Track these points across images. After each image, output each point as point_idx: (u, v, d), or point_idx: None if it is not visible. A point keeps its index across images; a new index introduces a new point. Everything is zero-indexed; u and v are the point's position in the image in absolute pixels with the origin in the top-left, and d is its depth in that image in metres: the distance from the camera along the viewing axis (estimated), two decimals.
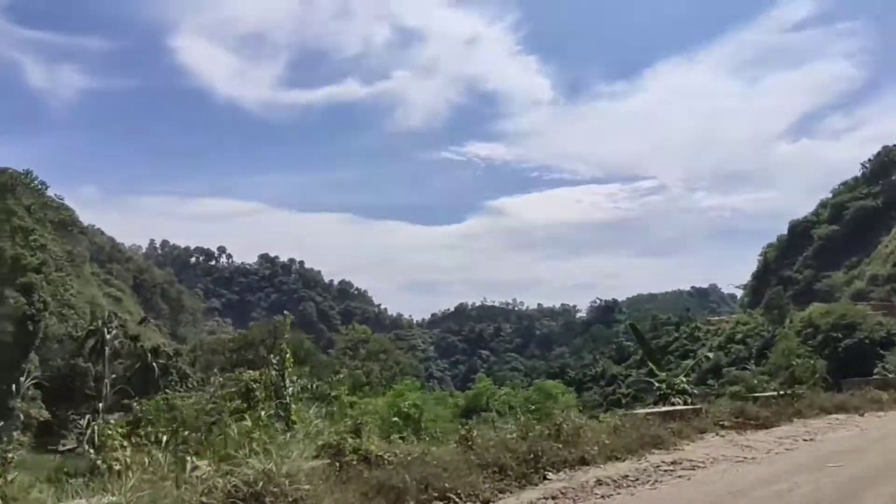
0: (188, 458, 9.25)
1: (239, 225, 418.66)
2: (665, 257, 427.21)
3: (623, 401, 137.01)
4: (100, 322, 65.04)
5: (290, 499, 7.80)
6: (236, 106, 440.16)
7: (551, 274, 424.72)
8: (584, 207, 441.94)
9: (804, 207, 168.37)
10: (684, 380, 23.68)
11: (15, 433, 53.72)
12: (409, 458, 10.51)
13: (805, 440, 17.54)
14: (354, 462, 10.11)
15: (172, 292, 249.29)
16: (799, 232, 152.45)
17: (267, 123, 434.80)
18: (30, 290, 61.88)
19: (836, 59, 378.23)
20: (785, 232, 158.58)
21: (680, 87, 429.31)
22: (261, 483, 7.87)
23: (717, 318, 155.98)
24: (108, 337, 61.83)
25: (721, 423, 19.24)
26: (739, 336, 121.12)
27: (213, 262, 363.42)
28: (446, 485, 9.85)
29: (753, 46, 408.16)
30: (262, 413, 12.26)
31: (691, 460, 13.90)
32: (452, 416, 68.18)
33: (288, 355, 14.99)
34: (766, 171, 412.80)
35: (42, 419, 59.25)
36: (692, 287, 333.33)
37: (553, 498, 10.33)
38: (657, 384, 24.09)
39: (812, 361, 47.86)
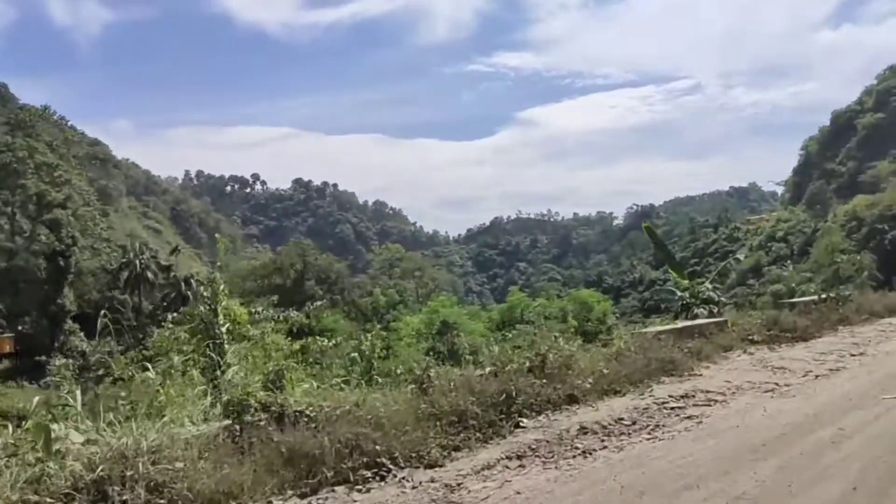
0: (53, 425, 6.91)
1: (270, 151, 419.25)
2: (703, 159, 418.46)
3: (662, 306, 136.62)
4: (131, 254, 65.60)
5: (151, 483, 6.10)
6: (259, 30, 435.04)
7: (586, 183, 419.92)
8: (619, 112, 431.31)
9: (848, 98, 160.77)
10: (710, 287, 21.04)
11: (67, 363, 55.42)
12: (338, 413, 8.03)
13: (853, 355, 14.43)
14: (263, 423, 7.72)
15: (210, 221, 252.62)
16: (842, 122, 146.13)
17: (290, 46, 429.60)
18: (57, 225, 62.35)
19: None
20: (827, 123, 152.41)
21: None
22: (107, 466, 6.12)
23: (756, 216, 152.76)
24: (139, 269, 62.40)
25: (750, 337, 16.20)
26: (780, 234, 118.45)
27: (248, 190, 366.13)
28: (378, 447, 7.60)
29: None
30: (176, 360, 10.06)
31: (707, 391, 11.22)
32: (488, 329, 68.37)
33: (222, 286, 11.74)
34: (806, 61, 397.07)
35: (83, 350, 60.71)
36: (731, 187, 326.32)
37: (518, 457, 8.05)
38: (679, 293, 21.28)
39: (858, 257, 45.37)
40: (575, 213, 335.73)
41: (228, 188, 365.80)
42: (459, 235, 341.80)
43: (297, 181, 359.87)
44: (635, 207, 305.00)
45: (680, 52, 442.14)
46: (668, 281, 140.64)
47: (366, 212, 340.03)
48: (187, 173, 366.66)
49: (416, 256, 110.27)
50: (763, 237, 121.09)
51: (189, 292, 64.99)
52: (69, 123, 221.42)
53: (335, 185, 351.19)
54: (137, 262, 64.22)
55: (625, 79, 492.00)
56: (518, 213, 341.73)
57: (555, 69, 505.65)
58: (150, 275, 63.07)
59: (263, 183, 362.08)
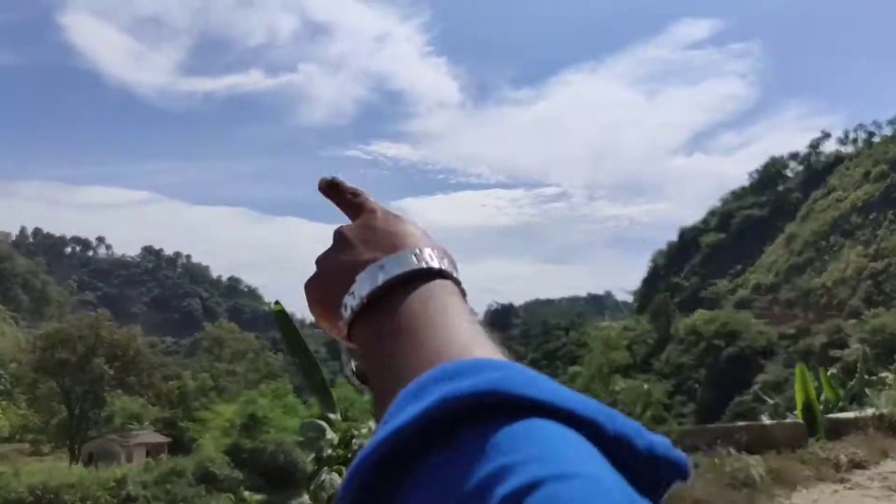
0: None
1: (127, 215, 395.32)
2: (565, 264, 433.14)
3: None
4: None
5: None
6: (130, 91, 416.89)
7: None
8: (488, 211, 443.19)
9: (696, 217, 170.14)
10: None
11: None
12: None
13: None
14: None
15: (36, 283, 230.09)
16: (688, 239, 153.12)
17: (163, 111, 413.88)
18: None
19: (731, 77, 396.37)
20: (676, 239, 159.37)
21: (584, 97, 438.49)
22: None
23: (606, 323, 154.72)
24: None
25: None
26: (626, 342, 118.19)
27: (90, 253, 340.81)
28: None
29: (654, 62, 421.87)
30: None
31: None
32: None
33: None
34: (661, 182, 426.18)
35: None
36: (588, 293, 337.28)
37: None
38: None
39: (646, 386, 33.12)
40: None
41: (69, 249, 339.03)
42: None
43: (148, 248, 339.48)
44: (495, 305, 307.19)
45: (549, 161, 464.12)
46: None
47: (218, 287, 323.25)
48: (23, 230, 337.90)
49: (250, 338, 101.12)
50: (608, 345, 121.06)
51: None
52: None
53: (188, 257, 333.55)
54: None
55: (497, 179, 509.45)
56: None
57: (430, 163, 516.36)
58: None
59: (108, 247, 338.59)
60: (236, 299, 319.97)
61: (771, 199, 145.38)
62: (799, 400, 12.84)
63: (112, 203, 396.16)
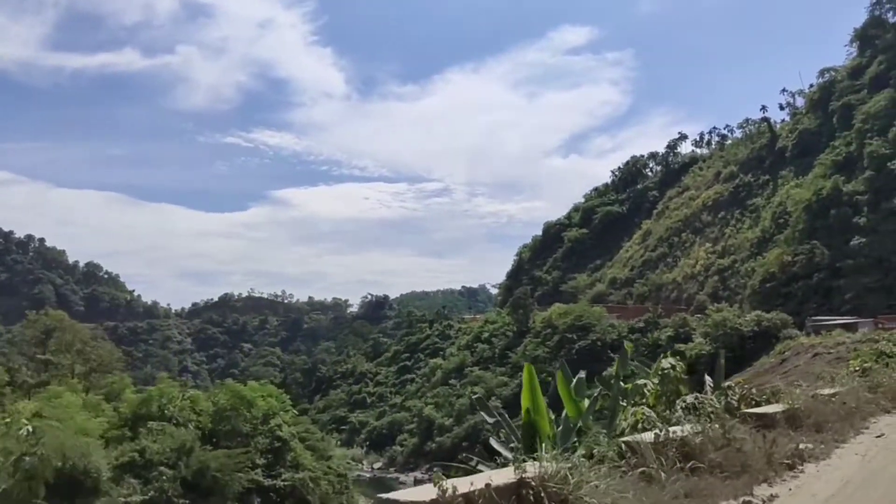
0: None
1: None
2: (443, 258, 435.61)
3: (368, 400, 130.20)
4: None
5: None
6: None
7: (334, 268, 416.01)
8: (371, 204, 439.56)
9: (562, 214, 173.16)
10: None
11: None
12: None
13: None
14: None
15: None
16: (552, 234, 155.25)
17: (27, 87, 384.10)
18: None
19: (605, 84, 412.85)
20: (540, 234, 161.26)
21: (466, 96, 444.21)
22: None
23: (470, 316, 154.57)
24: None
25: None
26: (486, 335, 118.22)
27: None
28: None
29: (534, 65, 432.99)
30: None
31: None
32: (112, 426, 55.15)
33: None
34: (538, 181, 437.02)
35: None
36: (463, 287, 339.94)
37: None
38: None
39: None
40: (310, 297, 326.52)
41: None
42: (183, 309, 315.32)
43: None
44: (370, 297, 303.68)
45: (432, 156, 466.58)
46: (378, 374, 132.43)
47: (74, 273, 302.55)
48: None
49: (80, 327, 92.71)
50: (471, 337, 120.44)
51: None
52: None
53: (41, 241, 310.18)
54: None
55: (380, 173, 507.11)
56: (251, 290, 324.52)
57: (313, 154, 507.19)
58: None
59: None
60: (95, 286, 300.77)
61: (631, 196, 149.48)
62: (524, 408, 9.78)
63: None
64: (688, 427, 5.63)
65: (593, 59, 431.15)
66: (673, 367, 8.35)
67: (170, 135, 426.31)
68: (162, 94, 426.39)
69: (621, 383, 10.28)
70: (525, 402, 9.42)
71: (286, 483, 55.98)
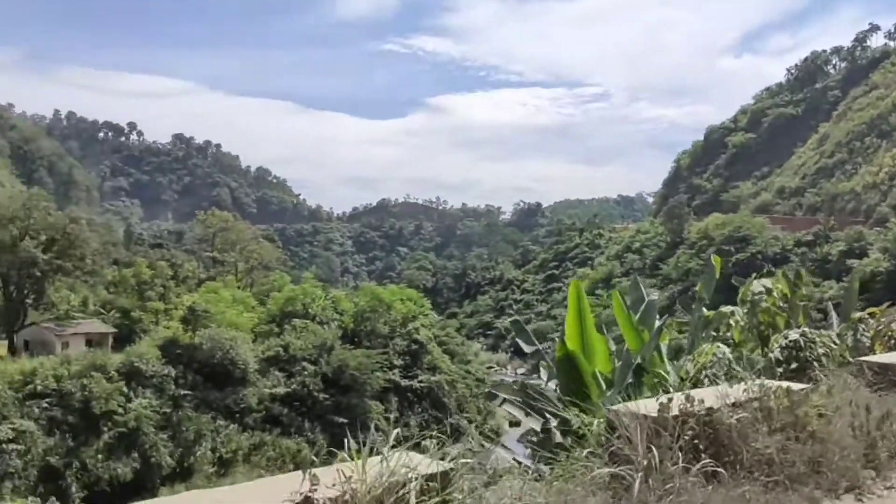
0: None
1: (163, 103, 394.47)
2: (599, 165, 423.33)
3: (515, 307, 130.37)
4: None
5: None
6: None
7: (487, 175, 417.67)
8: (527, 110, 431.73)
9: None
10: None
11: None
12: None
13: None
14: None
15: (62, 166, 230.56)
16: (715, 139, 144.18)
17: None
18: None
19: None
20: (701, 138, 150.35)
21: None
22: None
23: (622, 225, 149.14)
24: None
25: None
26: (637, 245, 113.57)
27: (122, 139, 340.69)
28: None
29: None
30: None
31: None
32: (262, 322, 58.19)
33: None
34: (706, 84, 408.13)
35: None
36: (619, 195, 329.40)
37: None
38: None
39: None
40: (464, 204, 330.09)
41: (101, 135, 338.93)
42: (344, 213, 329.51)
43: (178, 136, 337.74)
44: (523, 204, 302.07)
45: (592, 60, 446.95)
46: (525, 282, 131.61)
47: (247, 177, 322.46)
48: (56, 113, 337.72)
49: (243, 227, 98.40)
50: (621, 247, 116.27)
51: None
52: None
53: (218, 146, 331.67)
54: None
55: (536, 78, 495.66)
56: (407, 196, 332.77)
57: (470, 59, 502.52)
58: None
59: (140, 133, 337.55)
60: (265, 190, 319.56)
61: (807, 96, 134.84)
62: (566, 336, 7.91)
63: (152, 91, 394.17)
64: (737, 389, 3.60)
65: None
66: (768, 290, 5.94)
67: (333, 44, 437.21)
68: (325, 2, 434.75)
69: (704, 310, 8.01)
70: (568, 329, 7.51)
71: (422, 384, 57.26)
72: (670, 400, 3.28)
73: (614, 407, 3.49)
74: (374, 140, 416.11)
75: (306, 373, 50.73)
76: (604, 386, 7.36)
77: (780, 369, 5.91)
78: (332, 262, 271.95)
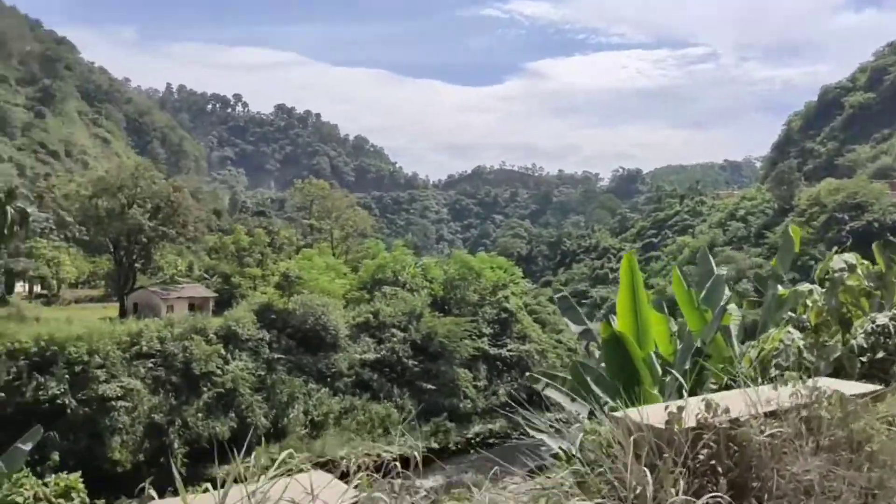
0: None
1: (267, 75, 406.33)
2: (705, 129, 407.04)
3: (610, 275, 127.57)
4: None
5: None
6: None
7: (585, 141, 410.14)
8: (629, 73, 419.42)
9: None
10: None
11: None
12: None
13: None
14: None
15: (173, 137, 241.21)
16: (830, 99, 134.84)
17: None
18: None
19: None
20: (815, 99, 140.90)
21: None
22: None
23: (726, 192, 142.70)
24: None
25: None
26: (742, 212, 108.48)
27: (228, 110, 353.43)
28: None
29: None
30: None
31: None
32: (352, 288, 59.06)
33: None
34: (823, 42, 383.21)
35: None
36: (725, 160, 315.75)
37: None
38: None
39: None
40: (560, 171, 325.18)
41: (209, 107, 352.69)
42: (440, 181, 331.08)
43: (280, 107, 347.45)
44: (622, 171, 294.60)
45: (697, 20, 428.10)
46: (622, 250, 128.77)
47: (345, 146, 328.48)
48: (168, 86, 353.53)
49: (338, 195, 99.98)
50: (724, 214, 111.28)
51: (11, 208, 55.47)
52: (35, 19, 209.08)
53: (318, 115, 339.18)
54: None
55: (639, 40, 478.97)
56: (502, 163, 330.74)
57: (570, 22, 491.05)
58: None
59: (245, 105, 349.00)
60: (362, 159, 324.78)
61: None
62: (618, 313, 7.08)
63: (261, 64, 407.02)
64: (781, 391, 2.87)
65: None
66: (850, 266, 4.97)
67: (429, 11, 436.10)
68: None
69: (780, 287, 7.05)
70: (620, 306, 6.77)
71: (511, 353, 56.86)
72: (680, 409, 2.63)
73: (616, 414, 2.87)
74: (470, 107, 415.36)
75: (395, 339, 51.27)
76: (660, 371, 6.64)
77: (864, 358, 5.05)
78: (427, 229, 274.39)
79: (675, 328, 7.57)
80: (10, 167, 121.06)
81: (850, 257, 5.03)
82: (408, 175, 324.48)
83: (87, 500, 9.51)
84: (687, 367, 6.14)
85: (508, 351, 56.17)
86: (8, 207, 55.37)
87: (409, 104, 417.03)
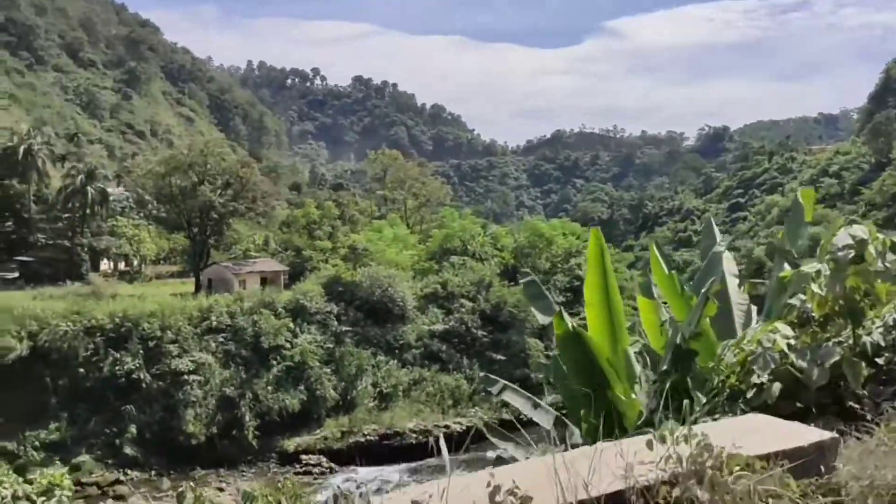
0: None
1: (344, 47, 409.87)
2: (797, 82, 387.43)
3: (694, 238, 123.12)
4: (24, 135, 58.00)
5: None
6: None
7: (668, 100, 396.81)
8: (715, 26, 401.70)
9: None
10: None
11: None
12: None
13: None
14: None
15: (254, 113, 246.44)
16: None
17: None
18: None
19: None
20: None
21: None
22: None
23: (819, 147, 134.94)
24: (34, 152, 55.04)
25: None
26: (835, 168, 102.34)
27: (308, 84, 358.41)
28: None
29: None
30: None
31: None
32: (421, 259, 58.69)
33: None
34: None
35: None
36: (819, 114, 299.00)
37: None
38: None
39: None
40: (643, 132, 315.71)
41: (289, 81, 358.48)
42: (518, 147, 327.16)
43: (357, 78, 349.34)
44: (707, 129, 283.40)
45: None
46: (706, 212, 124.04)
47: (422, 115, 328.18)
48: (249, 63, 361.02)
49: (411, 164, 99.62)
50: (816, 171, 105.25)
51: (91, 188, 57.60)
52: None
53: (394, 85, 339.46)
54: (32, 144, 56.57)
55: None
56: (582, 126, 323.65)
57: None
58: (38, 162, 55.76)
59: (323, 78, 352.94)
60: (440, 127, 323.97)
61: None
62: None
63: (338, 36, 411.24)
64: (660, 449, 1.84)
65: None
66: (861, 241, 3.66)
67: None
68: None
69: (786, 266, 5.72)
70: (588, 293, 5.61)
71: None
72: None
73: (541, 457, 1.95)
74: (547, 70, 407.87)
75: (464, 309, 50.69)
76: (638, 370, 5.57)
77: (881, 360, 3.89)
78: (507, 196, 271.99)
79: (666, 316, 6.46)
80: (100, 148, 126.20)
81: (861, 229, 3.81)
82: (486, 142, 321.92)
83: (70, 496, 9.30)
84: (665, 367, 5.09)
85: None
86: (89, 188, 57.62)
87: (485, 70, 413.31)
